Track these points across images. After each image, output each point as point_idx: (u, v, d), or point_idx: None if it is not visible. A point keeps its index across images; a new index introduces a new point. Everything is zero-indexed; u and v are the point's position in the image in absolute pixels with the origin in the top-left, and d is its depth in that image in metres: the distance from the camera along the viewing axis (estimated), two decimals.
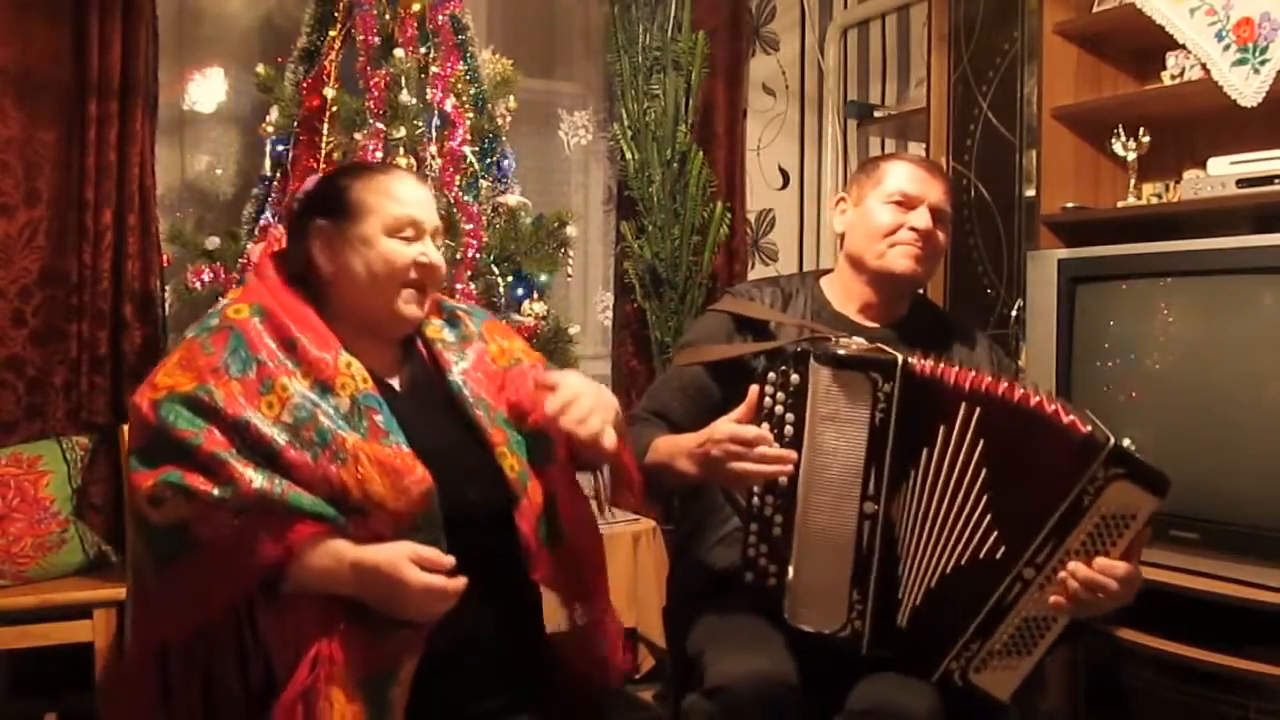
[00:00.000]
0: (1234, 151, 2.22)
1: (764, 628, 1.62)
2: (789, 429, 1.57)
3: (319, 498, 1.40)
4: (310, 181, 1.67)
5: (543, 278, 2.82)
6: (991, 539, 1.53)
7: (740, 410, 1.58)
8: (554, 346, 2.81)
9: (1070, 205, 2.50)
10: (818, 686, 1.60)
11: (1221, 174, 2.21)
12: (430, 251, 1.56)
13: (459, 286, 2.64)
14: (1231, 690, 1.95)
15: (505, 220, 2.79)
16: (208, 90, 3.07)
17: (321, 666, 1.37)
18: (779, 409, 1.57)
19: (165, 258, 2.83)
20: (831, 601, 1.59)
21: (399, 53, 2.65)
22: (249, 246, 2.63)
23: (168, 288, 2.85)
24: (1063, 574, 1.49)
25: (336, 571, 1.40)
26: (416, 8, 2.71)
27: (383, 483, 1.42)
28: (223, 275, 2.67)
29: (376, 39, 2.67)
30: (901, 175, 1.88)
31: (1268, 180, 2.12)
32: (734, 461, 1.55)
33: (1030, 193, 2.53)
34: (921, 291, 2.03)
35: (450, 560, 1.41)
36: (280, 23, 3.07)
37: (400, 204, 1.54)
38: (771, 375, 1.58)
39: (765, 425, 1.57)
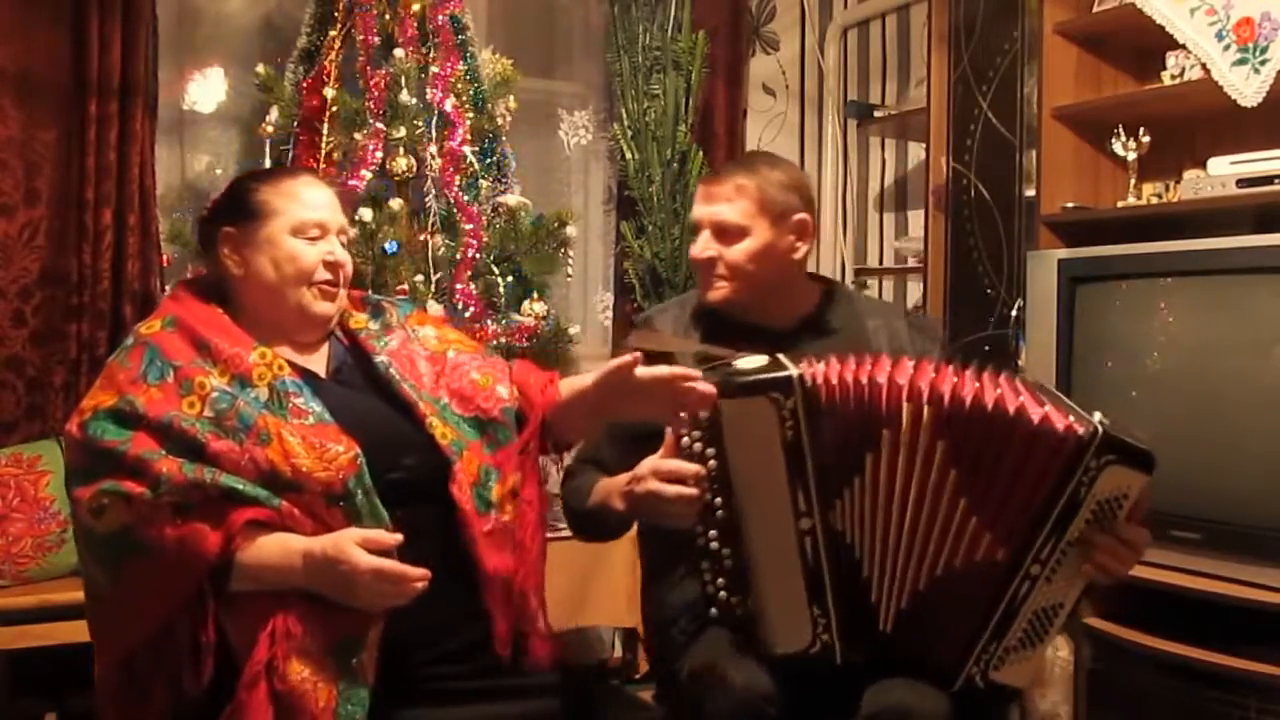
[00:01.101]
0: (1234, 151, 2.22)
1: (740, 649, 1.61)
2: (713, 463, 1.57)
3: (250, 481, 1.43)
4: (214, 198, 1.71)
5: (542, 278, 2.82)
6: (985, 541, 1.52)
7: (661, 451, 1.60)
8: (554, 346, 2.81)
9: (1070, 205, 2.50)
10: (828, 695, 1.60)
11: (1221, 174, 2.21)
12: (336, 249, 1.62)
13: (459, 286, 2.64)
14: (1231, 690, 1.95)
15: (505, 220, 2.79)
16: (208, 90, 3.07)
17: (279, 643, 1.39)
18: (698, 445, 1.57)
19: (165, 258, 2.83)
20: (795, 621, 1.58)
21: (399, 53, 2.65)
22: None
23: (168, 288, 2.85)
24: (1090, 547, 1.50)
25: (287, 562, 1.42)
26: (416, 8, 2.71)
27: (308, 455, 1.45)
28: None
29: (376, 39, 2.67)
30: (696, 201, 1.87)
31: (1268, 180, 2.12)
32: (658, 498, 1.57)
33: (1030, 193, 2.53)
34: (828, 276, 2.00)
35: (396, 538, 1.43)
36: (280, 23, 3.06)
37: (304, 206, 1.61)
38: (682, 415, 1.58)
39: (696, 465, 1.57)
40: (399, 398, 1.61)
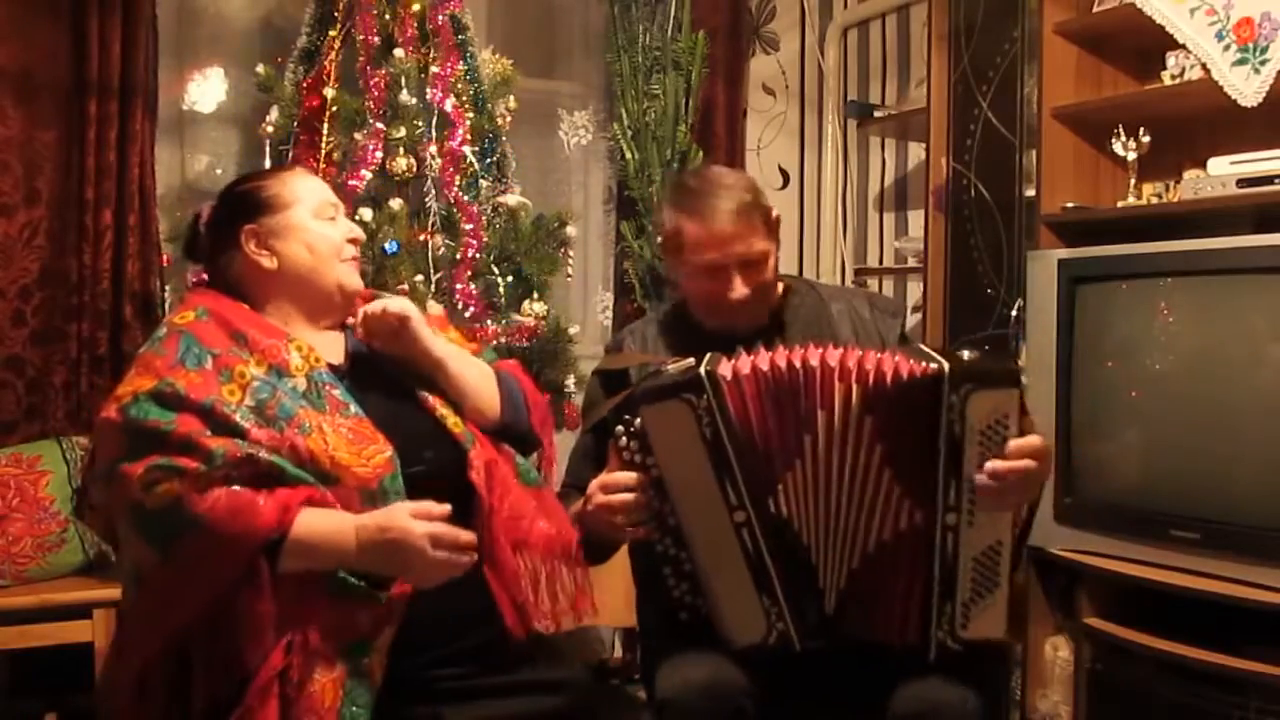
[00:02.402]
0: (1234, 151, 2.22)
1: (709, 643, 1.64)
2: (653, 471, 1.59)
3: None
4: (208, 206, 1.72)
5: (543, 278, 2.82)
6: (906, 507, 1.55)
7: (608, 466, 1.64)
8: (554, 346, 2.81)
9: (1070, 205, 2.49)
10: (852, 694, 1.63)
11: (1221, 174, 2.21)
12: (352, 226, 1.70)
13: (459, 286, 2.64)
14: (1231, 690, 1.96)
15: (505, 220, 2.79)
16: (208, 90, 3.06)
17: (296, 653, 1.39)
18: (637, 457, 1.60)
19: (165, 258, 2.82)
20: (748, 614, 1.61)
21: (399, 53, 2.65)
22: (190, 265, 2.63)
23: (168, 288, 2.85)
24: (980, 477, 1.50)
25: (340, 538, 1.43)
26: (416, 8, 2.70)
27: (348, 450, 1.47)
28: None
29: (376, 39, 2.67)
30: (699, 241, 1.78)
31: (1268, 180, 2.12)
32: (603, 512, 1.60)
33: (1030, 193, 2.53)
34: (788, 276, 1.98)
35: (445, 508, 1.45)
36: (280, 23, 3.06)
37: (313, 190, 1.67)
38: (619, 428, 1.61)
39: (638, 475, 1.60)
40: (410, 389, 1.65)
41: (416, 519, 1.43)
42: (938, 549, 1.54)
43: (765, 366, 1.57)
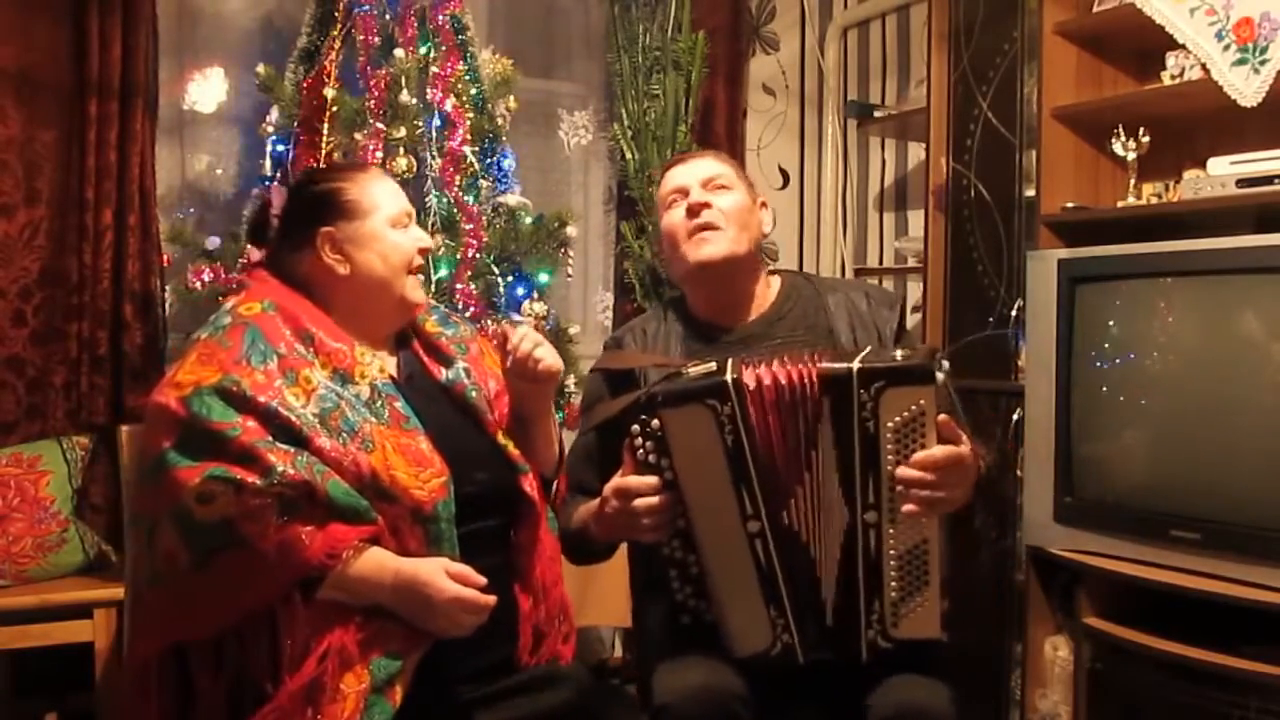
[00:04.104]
0: (1234, 151, 2.22)
1: (708, 649, 1.63)
2: (667, 474, 1.58)
3: (349, 486, 1.43)
4: (281, 197, 1.70)
5: (543, 278, 2.82)
6: (839, 509, 1.55)
7: (622, 469, 1.62)
8: (554, 346, 2.81)
9: (1070, 205, 2.49)
10: (833, 698, 1.62)
11: (1221, 174, 2.21)
12: (422, 234, 1.67)
13: (459, 286, 2.64)
14: (1231, 690, 1.95)
15: (505, 220, 2.79)
16: (208, 90, 3.06)
17: (331, 658, 1.39)
18: (651, 457, 1.59)
19: (165, 258, 2.83)
20: (754, 624, 1.61)
21: (399, 53, 2.65)
22: (249, 247, 2.63)
23: (168, 288, 2.85)
24: (898, 488, 1.51)
25: (378, 577, 1.43)
26: (417, 8, 2.71)
27: (407, 470, 1.47)
28: (223, 275, 2.67)
29: (376, 39, 2.67)
30: (669, 177, 1.91)
31: (1268, 180, 2.12)
32: (623, 515, 1.59)
33: (1030, 193, 2.53)
34: (785, 270, 2.01)
35: (482, 580, 1.46)
36: (280, 23, 3.07)
37: (391, 198, 1.64)
38: (635, 429, 1.59)
39: (651, 476, 1.59)
40: (469, 407, 1.64)
41: (452, 581, 1.44)
42: (860, 547, 1.55)
43: (783, 378, 1.56)
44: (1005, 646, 2.51)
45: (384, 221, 1.61)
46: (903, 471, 1.51)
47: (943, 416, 1.52)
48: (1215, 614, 1.99)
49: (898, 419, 1.51)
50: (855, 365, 1.50)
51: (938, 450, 1.51)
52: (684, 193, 1.86)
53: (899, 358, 1.54)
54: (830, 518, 1.57)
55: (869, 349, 1.65)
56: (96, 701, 2.38)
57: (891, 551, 1.55)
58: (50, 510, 2.55)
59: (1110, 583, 2.20)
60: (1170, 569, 2.07)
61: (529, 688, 1.59)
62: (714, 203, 1.83)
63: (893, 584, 1.56)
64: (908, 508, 1.51)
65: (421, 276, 1.66)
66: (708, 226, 1.82)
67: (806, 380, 1.55)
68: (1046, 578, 2.41)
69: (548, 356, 1.65)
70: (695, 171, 1.87)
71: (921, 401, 1.50)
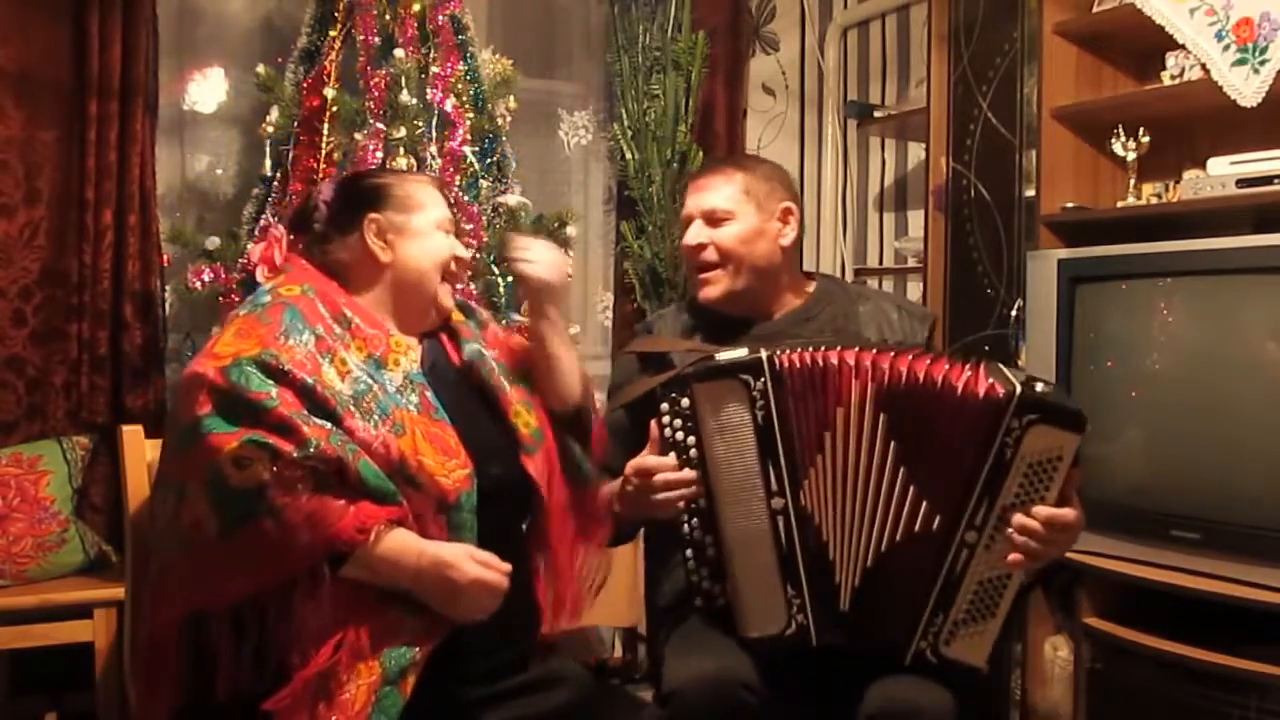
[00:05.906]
0: (1234, 151, 2.22)
1: (720, 635, 1.65)
2: (692, 451, 1.62)
3: (378, 469, 1.45)
4: (329, 185, 1.72)
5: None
6: (922, 511, 1.56)
7: (648, 446, 1.66)
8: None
9: (1070, 205, 2.50)
10: (825, 693, 1.62)
11: (1221, 174, 2.21)
12: (461, 247, 1.71)
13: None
14: (1231, 690, 1.95)
15: (505, 220, 2.79)
16: (208, 90, 3.06)
17: (344, 650, 1.40)
18: (679, 435, 1.63)
19: (165, 258, 2.83)
20: (770, 604, 1.62)
21: (399, 53, 2.65)
22: (249, 247, 2.63)
23: (168, 288, 2.85)
24: (1010, 530, 1.52)
25: (404, 558, 1.44)
26: (416, 8, 2.70)
27: (435, 459, 1.49)
28: (223, 275, 2.67)
29: (376, 39, 2.67)
30: (687, 198, 1.94)
31: (1268, 180, 2.12)
32: (643, 494, 1.62)
33: (1030, 193, 2.53)
34: (824, 272, 2.07)
35: (507, 566, 1.49)
36: (280, 23, 3.06)
37: (439, 204, 1.69)
38: (664, 405, 1.63)
39: (673, 454, 1.63)
40: (486, 388, 1.66)
41: (476, 564, 1.47)
42: (948, 561, 1.55)
43: (809, 360, 1.58)
44: (1005, 646, 2.51)
45: (430, 222, 1.66)
46: (1027, 522, 1.51)
47: (1076, 470, 1.53)
48: (1215, 614, 1.99)
49: (1037, 458, 1.50)
50: (1017, 388, 1.49)
51: (1070, 513, 1.53)
52: (688, 221, 1.91)
53: (1048, 391, 1.52)
54: (859, 508, 1.58)
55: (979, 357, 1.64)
56: (96, 701, 2.38)
57: (976, 575, 1.55)
58: (50, 510, 2.55)
59: (1110, 582, 2.20)
60: (1170, 569, 2.08)
61: (532, 688, 1.60)
62: (713, 239, 1.87)
63: (965, 604, 1.57)
64: (1014, 557, 1.52)
65: (450, 287, 1.69)
66: (705, 267, 1.87)
67: (836, 368, 1.57)
68: (1046, 577, 2.41)
69: (532, 261, 1.67)
70: (700, 202, 1.90)
71: (1063, 447, 1.51)
